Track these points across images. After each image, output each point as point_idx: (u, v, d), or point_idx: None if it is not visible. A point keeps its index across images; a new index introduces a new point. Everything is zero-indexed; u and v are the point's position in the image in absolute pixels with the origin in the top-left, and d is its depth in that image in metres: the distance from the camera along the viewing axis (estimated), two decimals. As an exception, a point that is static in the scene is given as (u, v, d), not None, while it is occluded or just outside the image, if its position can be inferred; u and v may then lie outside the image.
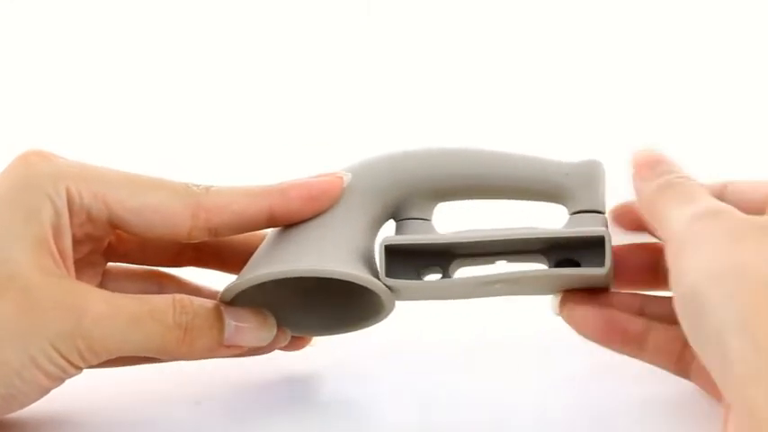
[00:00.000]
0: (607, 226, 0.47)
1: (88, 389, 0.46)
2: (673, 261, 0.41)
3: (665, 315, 0.44)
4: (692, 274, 0.40)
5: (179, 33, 0.90)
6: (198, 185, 0.47)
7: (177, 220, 0.46)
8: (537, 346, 0.53)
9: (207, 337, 0.45)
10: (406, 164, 0.48)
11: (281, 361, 0.50)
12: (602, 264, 0.45)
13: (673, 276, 0.41)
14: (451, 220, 0.49)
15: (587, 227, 0.46)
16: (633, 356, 0.47)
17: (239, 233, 0.48)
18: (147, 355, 0.46)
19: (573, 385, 0.50)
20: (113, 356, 0.44)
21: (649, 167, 0.45)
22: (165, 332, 0.44)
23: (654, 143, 0.47)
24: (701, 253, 0.40)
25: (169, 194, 0.46)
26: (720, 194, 0.45)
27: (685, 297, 0.40)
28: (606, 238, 0.45)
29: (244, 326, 0.46)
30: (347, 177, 0.48)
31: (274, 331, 0.47)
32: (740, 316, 0.38)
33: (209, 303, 0.46)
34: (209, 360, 0.48)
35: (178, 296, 0.45)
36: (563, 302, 0.48)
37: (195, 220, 0.46)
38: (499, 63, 0.85)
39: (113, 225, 0.46)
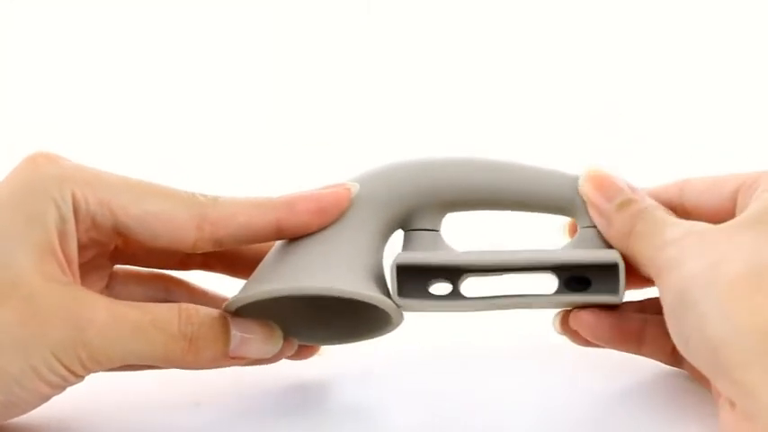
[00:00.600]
0: None
1: (86, 390, 0.46)
2: (659, 282, 0.43)
3: (660, 308, 0.44)
4: (677, 282, 0.41)
5: (180, 33, 0.90)
6: (205, 195, 0.46)
7: (182, 231, 0.45)
8: (542, 349, 0.53)
9: (212, 348, 0.45)
10: (416, 174, 0.48)
11: (282, 363, 0.50)
12: (614, 287, 0.45)
13: (662, 294, 0.43)
14: (458, 225, 0.49)
15: (600, 250, 0.46)
16: (632, 352, 0.48)
17: (245, 245, 0.47)
18: (150, 364, 0.46)
19: (577, 387, 0.50)
20: (116, 365, 0.44)
21: (604, 198, 0.46)
22: (169, 342, 0.44)
23: (597, 163, 0.47)
24: (682, 264, 0.41)
25: (174, 204, 0.45)
26: (679, 194, 0.47)
27: (673, 303, 0.42)
28: (620, 266, 0.45)
29: (250, 337, 0.46)
30: (355, 188, 0.47)
31: (281, 343, 0.47)
32: (720, 304, 0.39)
33: (216, 313, 0.45)
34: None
35: (184, 305, 0.45)
36: (566, 320, 0.48)
37: (200, 232, 0.45)
38: (499, 62, 0.85)
39: (118, 232, 0.45)
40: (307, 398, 0.50)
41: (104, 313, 0.43)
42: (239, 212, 0.46)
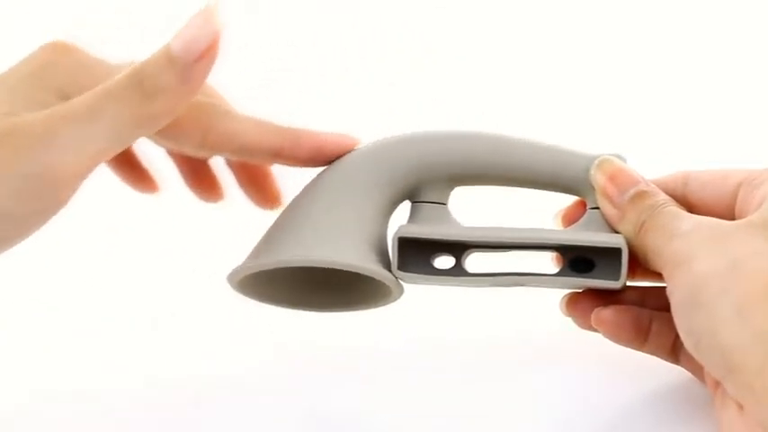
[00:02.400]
0: None
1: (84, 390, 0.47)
2: (668, 274, 0.43)
3: (662, 303, 0.44)
4: (689, 279, 0.41)
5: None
6: (216, 103, 0.47)
7: (187, 137, 0.46)
8: (539, 345, 0.52)
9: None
10: (427, 146, 0.48)
11: (280, 365, 0.50)
12: (616, 272, 0.45)
13: (670, 288, 0.42)
14: (465, 200, 0.49)
15: (605, 233, 0.46)
16: (636, 348, 0.47)
17: (242, 159, 0.49)
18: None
19: (576, 382, 0.50)
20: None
21: (618, 189, 0.46)
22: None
23: (610, 150, 0.47)
24: (694, 259, 0.41)
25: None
26: (683, 186, 0.46)
27: (684, 300, 0.41)
28: (623, 251, 0.45)
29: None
30: (358, 144, 0.49)
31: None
32: (737, 308, 0.39)
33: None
34: (206, 362, 0.49)
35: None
36: (572, 302, 0.48)
37: (204, 141, 0.46)
38: (499, 53, 0.85)
39: None
40: (307, 402, 0.49)
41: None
42: (247, 131, 0.47)
